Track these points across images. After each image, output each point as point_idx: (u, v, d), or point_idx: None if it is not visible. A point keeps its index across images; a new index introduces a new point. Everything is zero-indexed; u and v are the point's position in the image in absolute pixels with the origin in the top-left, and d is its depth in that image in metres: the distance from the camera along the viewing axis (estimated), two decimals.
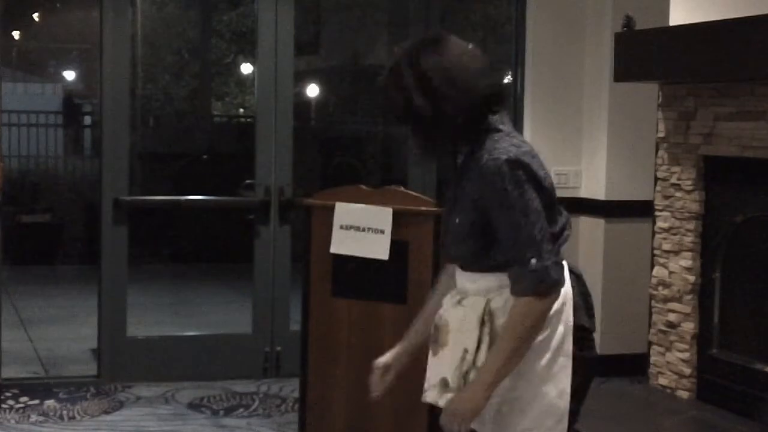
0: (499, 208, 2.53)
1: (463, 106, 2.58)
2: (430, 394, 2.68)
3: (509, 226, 2.52)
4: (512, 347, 2.52)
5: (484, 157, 2.55)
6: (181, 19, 12.27)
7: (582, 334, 2.73)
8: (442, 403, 2.62)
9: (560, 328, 2.64)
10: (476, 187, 2.57)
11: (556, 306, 2.60)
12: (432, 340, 2.71)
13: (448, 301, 2.72)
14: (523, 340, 2.53)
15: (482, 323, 2.60)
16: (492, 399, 2.56)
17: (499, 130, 2.61)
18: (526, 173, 2.53)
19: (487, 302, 2.61)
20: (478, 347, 2.59)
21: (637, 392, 5.16)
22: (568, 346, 2.66)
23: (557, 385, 2.64)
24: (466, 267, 2.67)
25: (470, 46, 2.66)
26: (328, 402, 4.49)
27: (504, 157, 2.53)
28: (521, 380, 2.60)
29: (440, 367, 2.66)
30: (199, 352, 6.04)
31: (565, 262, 2.66)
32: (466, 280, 2.68)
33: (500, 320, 2.60)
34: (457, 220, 2.62)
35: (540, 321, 2.54)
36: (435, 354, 2.69)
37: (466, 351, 2.60)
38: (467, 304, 2.64)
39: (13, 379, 5.75)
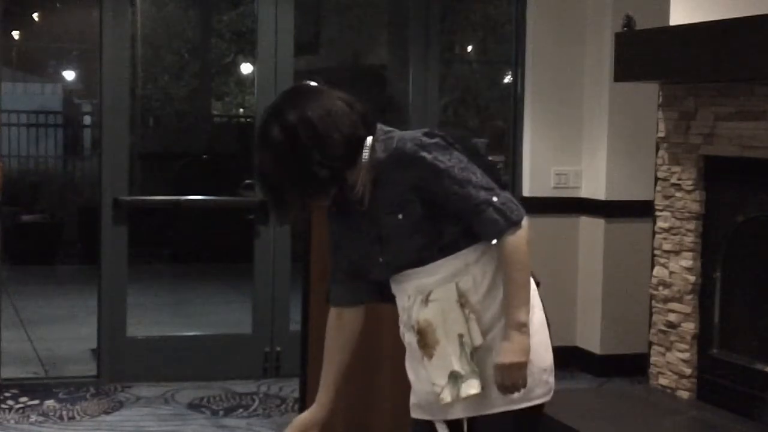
0: (437, 178, 2.58)
1: (336, 152, 2.57)
2: (446, 394, 2.67)
3: (456, 185, 2.57)
4: (523, 280, 2.60)
5: (398, 146, 2.60)
6: (181, 19, 12.26)
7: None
8: (464, 392, 2.64)
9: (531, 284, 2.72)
10: (406, 175, 2.59)
11: None
12: (420, 346, 2.71)
13: (410, 306, 2.71)
14: (527, 270, 2.61)
15: (461, 305, 2.64)
16: (489, 365, 2.62)
17: (388, 130, 2.67)
18: (443, 139, 2.62)
19: (456, 285, 2.64)
20: (468, 327, 2.64)
21: (638, 392, 5.16)
22: (538, 301, 2.76)
23: (542, 339, 2.73)
24: (423, 261, 2.66)
25: (326, 89, 2.66)
26: None
27: (417, 133, 2.62)
28: None
29: (443, 364, 2.66)
30: (199, 352, 6.04)
31: None
32: (423, 277, 2.67)
33: (474, 298, 2.65)
34: (400, 217, 2.62)
35: (528, 246, 2.61)
36: (430, 357, 2.69)
37: (461, 336, 2.64)
38: (437, 297, 2.66)
39: (13, 380, 5.75)
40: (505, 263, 2.61)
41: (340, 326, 2.91)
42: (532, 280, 2.71)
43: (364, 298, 2.88)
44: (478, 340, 2.64)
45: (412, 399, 2.82)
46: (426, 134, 2.62)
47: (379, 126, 2.68)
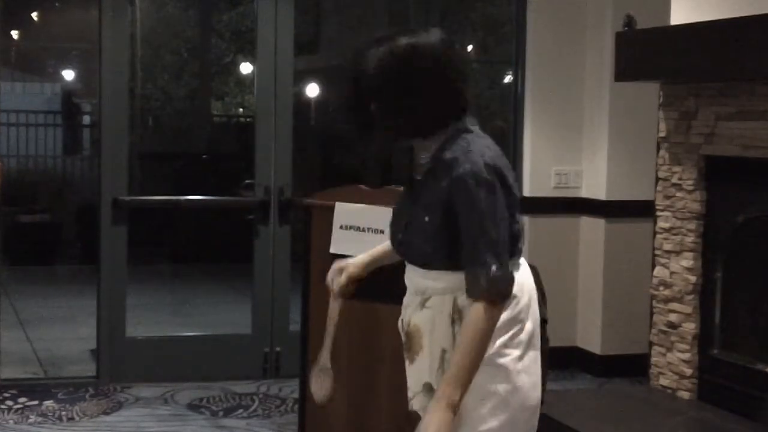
0: (468, 211, 2.51)
1: (446, 100, 2.58)
2: (417, 402, 2.66)
3: (476, 229, 2.50)
4: (470, 356, 2.49)
5: (459, 159, 2.53)
6: (181, 19, 12.26)
7: (541, 326, 2.76)
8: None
9: (528, 324, 2.64)
10: (447, 188, 2.54)
11: (524, 301, 2.62)
12: (405, 348, 2.69)
13: (409, 304, 2.70)
14: (480, 347, 2.50)
15: (453, 321, 2.59)
16: (469, 396, 2.52)
17: (469, 131, 2.61)
18: (499, 179, 2.54)
19: (454, 300, 2.59)
20: (453, 345, 2.58)
21: (638, 393, 5.15)
22: (537, 340, 2.68)
23: (531, 378, 2.64)
24: (429, 265, 2.62)
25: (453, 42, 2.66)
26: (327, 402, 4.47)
27: (480, 161, 2.52)
28: (498, 375, 2.58)
29: (420, 372, 2.64)
30: (199, 352, 6.03)
31: (522, 260, 2.69)
32: (426, 279, 2.64)
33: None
34: (426, 219, 2.58)
35: (493, 327, 2.51)
36: (411, 362, 2.67)
37: (444, 351, 2.59)
38: (433, 305, 2.62)
39: (12, 380, 5.75)
40: (463, 330, 2.52)
41: None
42: (536, 315, 2.65)
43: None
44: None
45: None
46: (486, 166, 2.52)
47: (470, 119, 2.63)
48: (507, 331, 2.59)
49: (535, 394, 2.66)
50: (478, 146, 2.56)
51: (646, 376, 5.17)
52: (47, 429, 5.08)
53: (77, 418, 5.24)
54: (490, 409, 2.59)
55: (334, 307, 2.97)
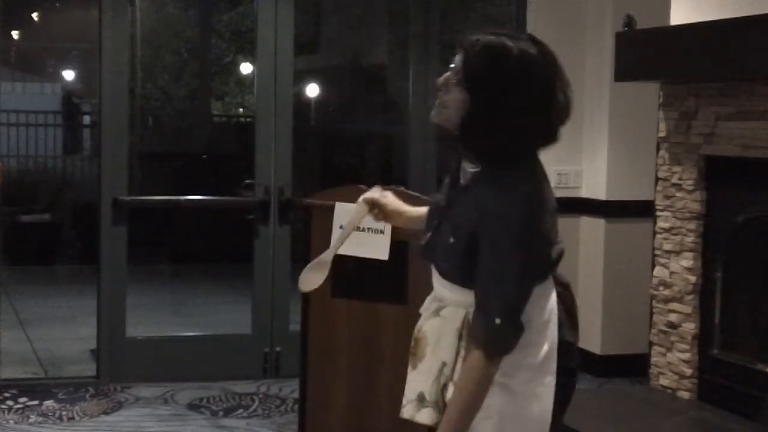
0: (489, 252, 2.43)
1: (537, 124, 2.50)
2: (407, 410, 2.62)
3: (491, 275, 2.43)
4: (463, 409, 2.46)
5: (497, 195, 2.43)
6: (181, 19, 12.27)
7: (566, 348, 2.61)
8: (419, 418, 2.57)
9: (545, 346, 2.54)
10: (476, 220, 2.45)
11: (542, 320, 2.53)
12: (411, 353, 2.65)
13: (427, 308, 2.66)
14: (473, 399, 2.45)
15: (459, 337, 2.54)
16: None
17: (524, 167, 2.51)
18: (528, 227, 2.45)
19: (466, 314, 2.53)
20: (455, 360, 2.54)
21: (638, 393, 5.15)
22: (553, 364, 2.56)
23: (540, 403, 2.55)
24: (447, 277, 2.57)
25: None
26: (328, 402, 4.48)
27: (518, 207, 2.43)
28: (504, 396, 2.51)
29: (418, 380, 2.61)
30: (199, 352, 6.03)
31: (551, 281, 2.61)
32: (445, 288, 2.59)
33: None
34: (451, 240, 2.51)
35: (490, 379, 2.46)
36: (414, 367, 2.64)
37: (444, 364, 2.55)
38: (445, 315, 2.57)
39: (12, 380, 5.75)
40: (459, 381, 2.48)
41: None
42: (554, 338, 2.55)
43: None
44: (457, 376, 2.53)
45: None
46: (520, 213, 2.42)
47: (540, 164, 2.55)
48: (517, 352, 2.49)
49: (543, 419, 2.56)
50: (523, 187, 2.46)
51: (646, 376, 5.17)
52: (47, 429, 5.08)
53: (77, 418, 5.24)
54: (493, 429, 2.52)
55: (359, 214, 2.85)
